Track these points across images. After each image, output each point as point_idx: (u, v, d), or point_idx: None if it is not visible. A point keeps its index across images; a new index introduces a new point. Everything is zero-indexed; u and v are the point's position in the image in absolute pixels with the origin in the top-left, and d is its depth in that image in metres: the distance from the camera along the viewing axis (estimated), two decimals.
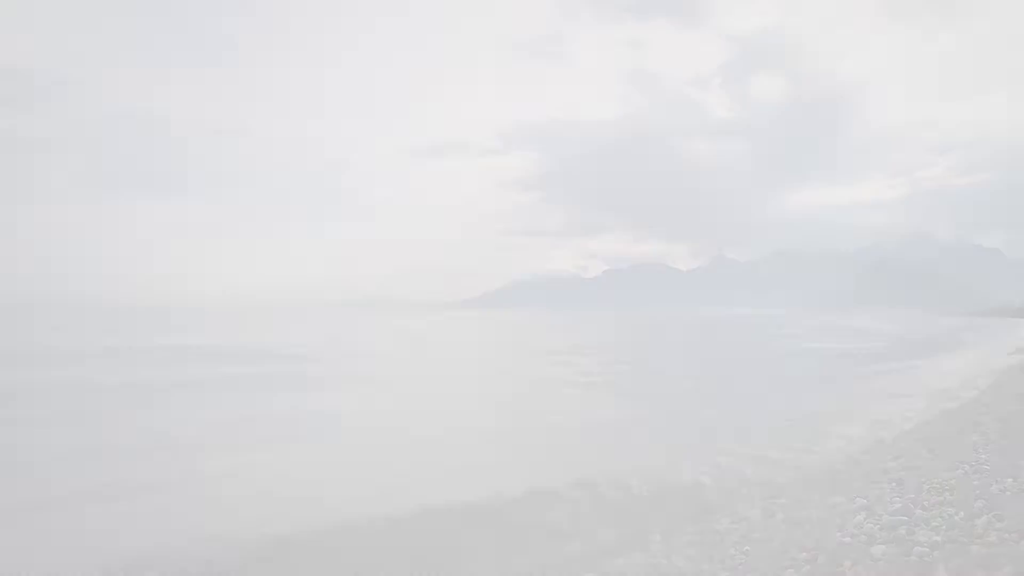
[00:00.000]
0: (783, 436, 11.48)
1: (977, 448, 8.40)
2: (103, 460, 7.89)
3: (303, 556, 5.21)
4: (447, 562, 5.17)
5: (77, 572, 4.91)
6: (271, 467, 7.85)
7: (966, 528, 5.18)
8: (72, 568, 4.99)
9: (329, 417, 11.65)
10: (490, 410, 11.57)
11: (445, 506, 6.16)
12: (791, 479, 8.05)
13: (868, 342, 45.74)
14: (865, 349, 37.79)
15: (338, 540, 5.66)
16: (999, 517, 5.26)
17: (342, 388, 16.04)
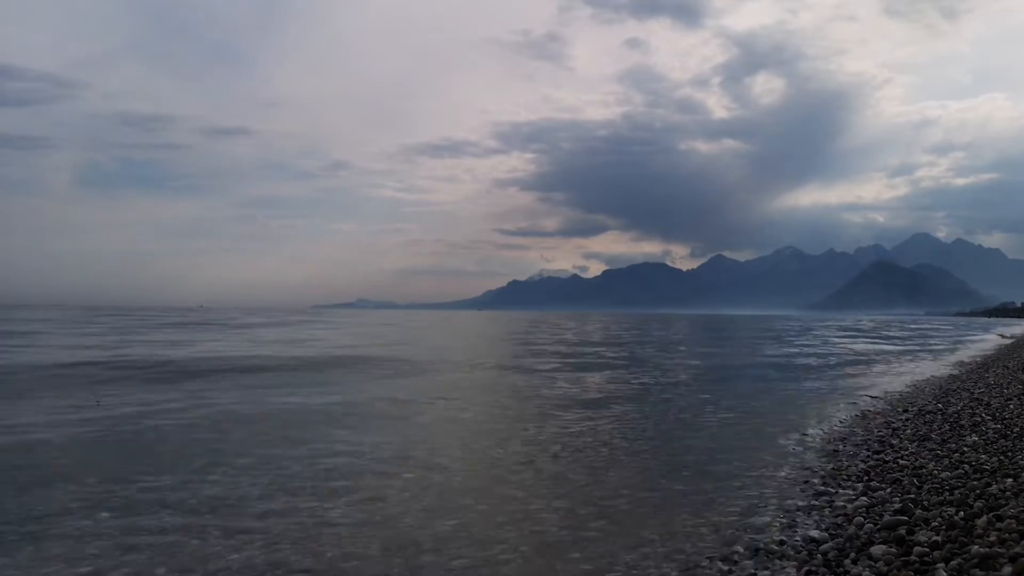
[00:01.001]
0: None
1: (977, 448, 8.40)
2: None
3: None
4: None
5: None
6: None
7: (966, 528, 5.17)
8: None
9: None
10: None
11: None
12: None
13: (869, 344, 45.77)
14: (865, 352, 37.78)
15: None
16: (999, 517, 5.25)
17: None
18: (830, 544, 5.32)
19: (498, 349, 36.81)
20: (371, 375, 20.26)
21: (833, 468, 8.09)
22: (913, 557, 4.76)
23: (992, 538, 4.82)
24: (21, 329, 46.12)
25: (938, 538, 5.03)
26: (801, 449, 9.56)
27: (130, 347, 30.12)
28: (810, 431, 10.99)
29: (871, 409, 13.32)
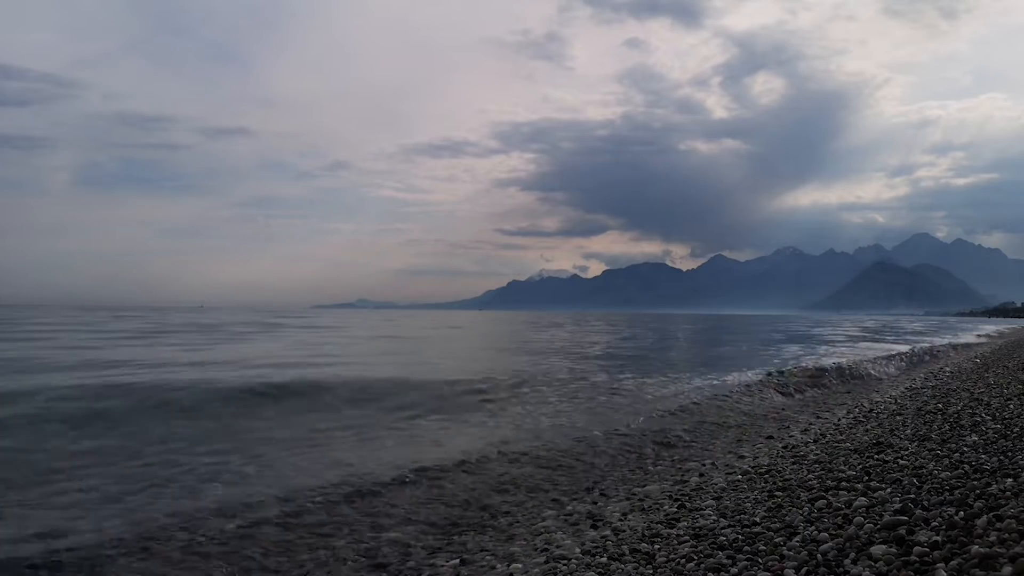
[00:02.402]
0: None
1: (977, 448, 8.39)
2: None
3: None
4: None
5: None
6: None
7: (966, 528, 5.16)
8: None
9: None
10: None
11: None
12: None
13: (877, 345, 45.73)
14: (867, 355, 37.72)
15: None
16: (999, 517, 5.24)
17: None
18: (830, 544, 5.31)
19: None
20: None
21: None
22: (913, 557, 4.75)
23: (992, 538, 4.82)
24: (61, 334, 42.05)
25: (938, 538, 5.02)
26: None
27: (246, 361, 25.10)
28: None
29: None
